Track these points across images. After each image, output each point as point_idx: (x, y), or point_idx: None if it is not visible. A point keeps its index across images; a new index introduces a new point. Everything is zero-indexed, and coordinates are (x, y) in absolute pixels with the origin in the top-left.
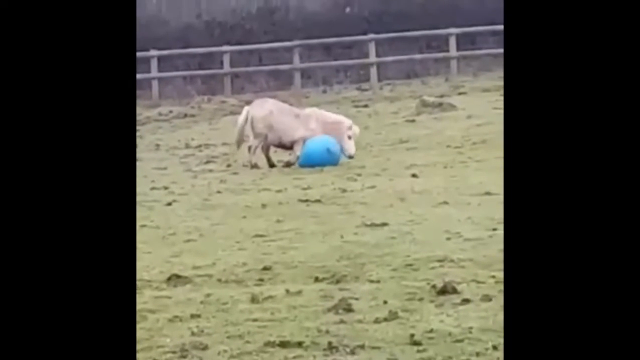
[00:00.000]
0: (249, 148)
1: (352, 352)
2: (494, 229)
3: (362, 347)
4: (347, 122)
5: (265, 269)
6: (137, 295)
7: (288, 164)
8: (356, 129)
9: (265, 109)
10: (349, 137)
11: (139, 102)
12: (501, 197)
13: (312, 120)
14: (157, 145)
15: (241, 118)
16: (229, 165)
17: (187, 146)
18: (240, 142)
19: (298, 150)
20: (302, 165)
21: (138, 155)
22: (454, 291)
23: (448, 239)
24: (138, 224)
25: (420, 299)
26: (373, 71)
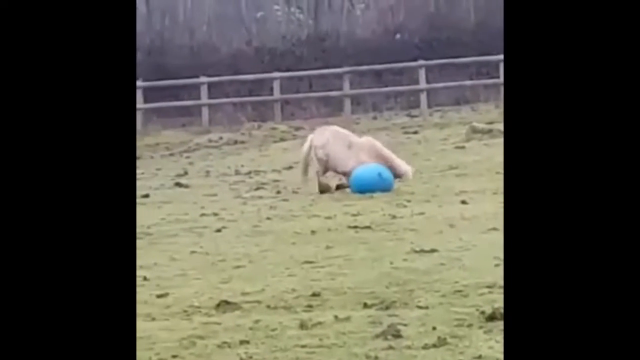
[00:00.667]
0: (317, 173)
1: None
2: None
3: None
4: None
5: (314, 295)
6: (187, 322)
7: (340, 187)
8: (408, 171)
9: (325, 137)
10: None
11: (188, 128)
12: None
13: (364, 152)
14: (207, 172)
15: (305, 146)
16: (278, 192)
17: (237, 172)
18: (305, 169)
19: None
20: (355, 192)
21: (189, 181)
22: (503, 317)
23: (497, 265)
24: (188, 250)
25: (469, 325)
26: (423, 97)
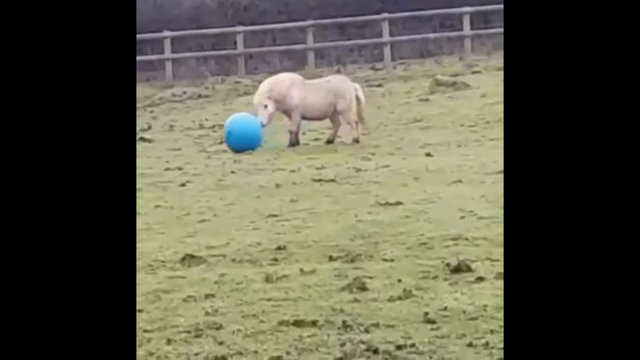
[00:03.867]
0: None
1: (367, 331)
2: None
3: (376, 325)
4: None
5: (279, 248)
6: (152, 276)
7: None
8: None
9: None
10: (265, 106)
11: (152, 83)
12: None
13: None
14: (171, 126)
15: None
16: None
17: (201, 127)
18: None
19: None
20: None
21: (152, 136)
22: (468, 269)
23: (462, 217)
24: (152, 204)
25: (435, 278)
26: (387, 51)
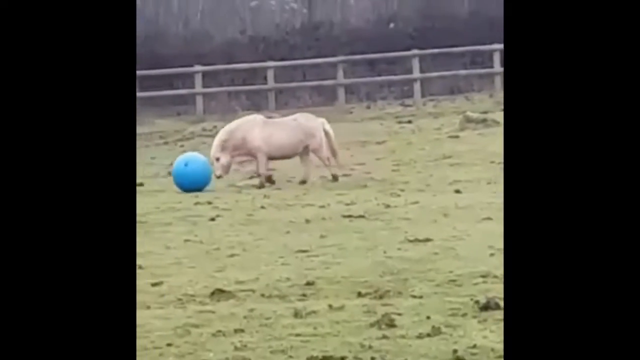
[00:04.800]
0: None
1: None
2: None
3: None
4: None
5: (308, 284)
6: (181, 310)
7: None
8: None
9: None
10: (217, 159)
11: (183, 117)
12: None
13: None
14: None
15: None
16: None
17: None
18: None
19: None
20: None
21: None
22: (497, 307)
23: (492, 255)
24: (182, 238)
25: (464, 315)
26: (417, 87)
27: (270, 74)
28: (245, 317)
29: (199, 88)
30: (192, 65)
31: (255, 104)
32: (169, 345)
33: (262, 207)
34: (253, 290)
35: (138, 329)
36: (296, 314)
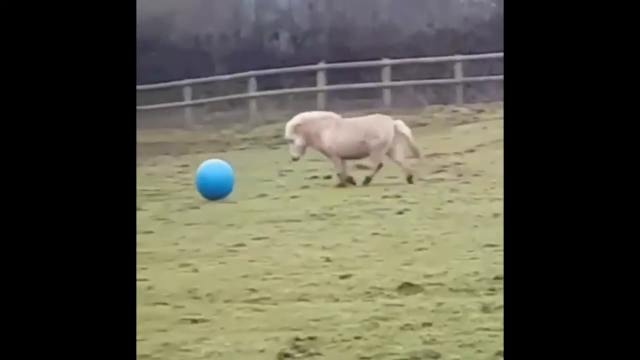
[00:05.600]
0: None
1: None
2: None
3: None
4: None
5: (496, 278)
6: (369, 303)
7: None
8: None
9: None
10: (292, 141)
11: (371, 111)
12: None
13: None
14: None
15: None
16: (460, 175)
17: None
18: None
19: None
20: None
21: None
22: None
23: None
24: (370, 231)
25: None
26: None
27: (457, 68)
28: (433, 311)
29: (386, 81)
30: (379, 58)
31: (442, 97)
32: (357, 338)
33: (450, 201)
34: (441, 284)
35: (327, 321)
36: (484, 309)
